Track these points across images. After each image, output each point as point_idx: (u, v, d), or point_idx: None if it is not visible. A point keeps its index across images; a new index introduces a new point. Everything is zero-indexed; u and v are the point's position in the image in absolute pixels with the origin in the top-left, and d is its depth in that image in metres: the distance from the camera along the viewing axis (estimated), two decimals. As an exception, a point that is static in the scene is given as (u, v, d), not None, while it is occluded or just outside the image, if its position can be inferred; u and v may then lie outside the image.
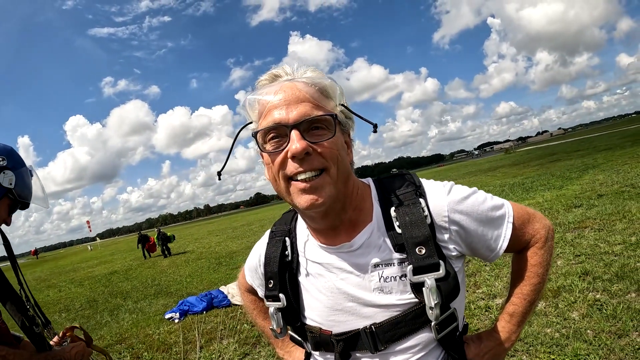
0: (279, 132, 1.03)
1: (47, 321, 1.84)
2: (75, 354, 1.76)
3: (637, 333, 3.71)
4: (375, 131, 1.11)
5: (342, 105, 1.08)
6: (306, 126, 1.01)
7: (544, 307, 4.68)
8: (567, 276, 5.41)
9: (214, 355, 5.59)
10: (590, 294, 4.74)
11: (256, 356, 5.36)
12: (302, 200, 1.03)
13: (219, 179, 1.21)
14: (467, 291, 5.78)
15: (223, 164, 1.20)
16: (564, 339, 3.91)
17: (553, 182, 15.25)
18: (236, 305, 7.93)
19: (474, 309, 5.15)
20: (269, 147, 1.06)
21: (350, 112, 1.10)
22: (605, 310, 4.23)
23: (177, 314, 8.02)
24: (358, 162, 1.24)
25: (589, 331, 3.94)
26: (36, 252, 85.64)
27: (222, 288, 8.95)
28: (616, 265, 5.37)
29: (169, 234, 23.68)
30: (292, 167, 1.01)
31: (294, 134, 0.99)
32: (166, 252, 22.31)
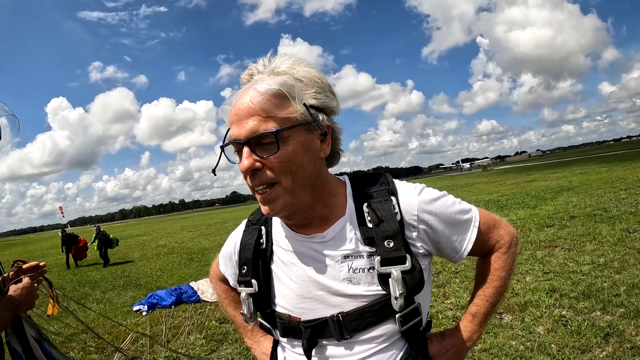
0: (237, 147, 1.08)
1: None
2: (26, 293, 1.66)
3: (600, 349, 3.80)
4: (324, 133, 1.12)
5: (305, 105, 1.06)
6: (257, 141, 1.04)
7: (511, 321, 4.75)
8: (535, 292, 5.50)
9: (180, 350, 5.53)
10: (557, 310, 4.83)
11: (223, 353, 5.32)
12: (263, 209, 1.12)
13: (214, 174, 1.22)
14: (436, 301, 5.85)
15: (215, 164, 1.19)
16: (528, 351, 3.97)
17: (528, 202, 15.52)
18: (205, 301, 7.90)
19: (442, 318, 5.20)
20: (236, 158, 1.11)
21: (309, 112, 1.07)
22: (570, 326, 4.31)
23: (146, 306, 7.93)
24: (337, 169, 1.26)
25: (553, 345, 4.01)
26: None
27: (192, 284, 8.89)
28: (583, 284, 5.48)
29: (111, 236, 17.58)
30: (248, 180, 1.08)
31: (245, 150, 1.04)
32: (106, 259, 16.85)
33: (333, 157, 1.22)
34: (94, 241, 17.04)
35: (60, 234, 17.98)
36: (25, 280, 1.72)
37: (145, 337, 6.02)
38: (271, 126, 1.02)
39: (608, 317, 4.40)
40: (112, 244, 17.36)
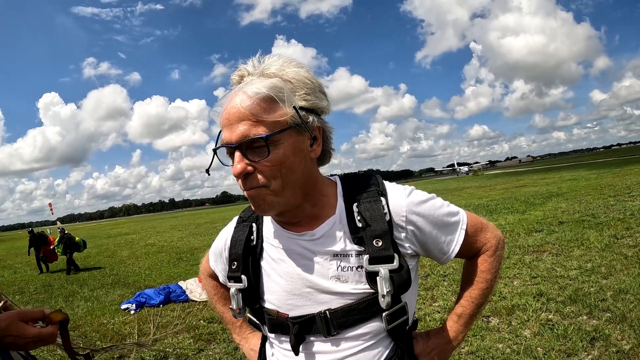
0: (229, 150, 1.09)
1: None
2: (16, 331, 1.12)
3: (585, 353, 3.84)
4: (313, 138, 1.13)
5: (294, 107, 1.07)
6: (248, 144, 1.05)
7: (498, 324, 4.79)
8: (522, 296, 5.54)
9: (168, 349, 5.51)
10: (543, 314, 4.87)
11: (210, 352, 5.30)
12: (252, 207, 1.16)
13: (208, 174, 1.23)
14: (424, 304, 5.86)
15: (209, 165, 1.19)
16: (514, 354, 4.00)
17: (517, 207, 15.59)
18: (193, 301, 7.88)
19: (430, 321, 5.22)
20: (229, 160, 1.13)
21: (299, 115, 1.07)
22: (557, 330, 4.35)
23: (134, 305, 7.89)
24: (327, 171, 1.25)
25: (539, 349, 4.04)
26: None
27: (181, 283, 8.83)
28: (570, 288, 5.53)
29: (77, 238, 15.11)
30: (240, 182, 1.10)
31: (236, 154, 1.06)
32: (71, 267, 14.36)
33: (324, 156, 1.23)
34: (57, 245, 14.84)
35: (29, 234, 16.12)
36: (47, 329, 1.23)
37: (132, 337, 6.00)
38: (261, 131, 1.03)
39: (594, 321, 4.45)
40: (79, 248, 15.09)
